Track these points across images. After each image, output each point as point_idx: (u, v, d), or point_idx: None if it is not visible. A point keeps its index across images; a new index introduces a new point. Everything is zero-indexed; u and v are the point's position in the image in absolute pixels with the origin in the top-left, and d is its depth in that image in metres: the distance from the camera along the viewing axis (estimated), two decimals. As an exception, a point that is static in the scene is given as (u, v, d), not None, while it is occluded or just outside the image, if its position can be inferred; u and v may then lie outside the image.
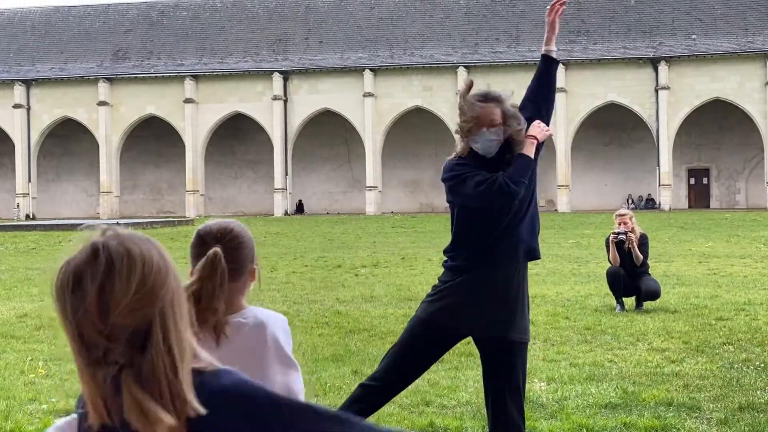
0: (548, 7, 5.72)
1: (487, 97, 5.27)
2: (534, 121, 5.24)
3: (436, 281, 5.34)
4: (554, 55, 5.75)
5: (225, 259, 2.86)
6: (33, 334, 12.34)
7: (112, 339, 1.83)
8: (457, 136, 5.51)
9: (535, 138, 5.15)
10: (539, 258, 5.26)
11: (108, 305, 1.82)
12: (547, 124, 5.45)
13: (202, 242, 3.07)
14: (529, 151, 5.12)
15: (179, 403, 1.86)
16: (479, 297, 5.01)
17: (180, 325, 1.89)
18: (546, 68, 5.75)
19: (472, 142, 5.19)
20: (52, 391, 8.77)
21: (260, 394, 1.93)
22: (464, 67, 63.31)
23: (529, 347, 10.34)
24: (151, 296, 1.85)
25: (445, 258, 5.27)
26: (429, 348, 5.16)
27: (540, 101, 5.58)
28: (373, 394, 5.24)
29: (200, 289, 2.79)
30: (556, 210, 61.39)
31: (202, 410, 1.84)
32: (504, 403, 5.01)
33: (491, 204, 4.98)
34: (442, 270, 5.37)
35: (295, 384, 3.16)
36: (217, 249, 2.83)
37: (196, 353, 1.93)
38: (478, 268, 5.05)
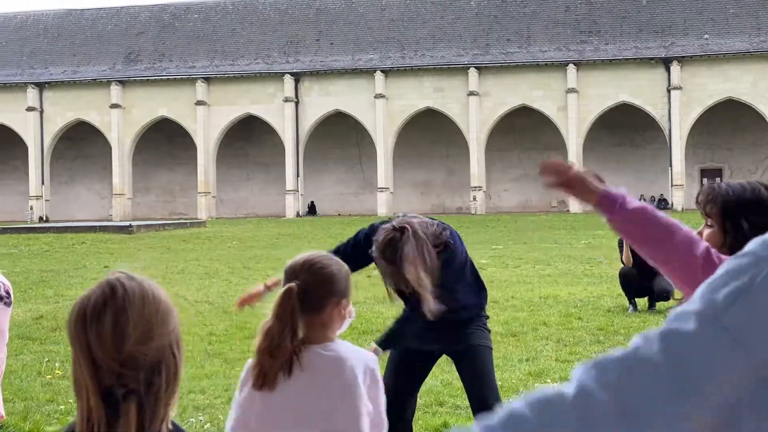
0: None
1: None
2: None
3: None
4: None
5: (304, 291, 3.00)
6: (49, 336, 12.44)
7: (127, 366, 2.02)
8: None
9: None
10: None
11: (124, 335, 2.02)
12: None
13: (285, 277, 3.12)
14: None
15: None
16: (432, 328, 5.21)
17: (180, 360, 2.11)
18: None
19: None
20: (70, 392, 8.84)
21: None
22: (475, 68, 63.31)
23: (542, 348, 10.44)
24: (162, 328, 2.07)
25: None
26: (415, 369, 5.49)
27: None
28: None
29: (273, 326, 2.97)
30: (567, 210, 61.32)
31: None
32: (489, 406, 5.12)
33: None
34: None
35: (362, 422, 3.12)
36: (292, 285, 2.98)
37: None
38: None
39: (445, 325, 5.24)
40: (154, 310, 2.06)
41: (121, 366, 2.01)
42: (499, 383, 8.38)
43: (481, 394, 5.23)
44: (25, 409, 8.09)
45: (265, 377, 3.08)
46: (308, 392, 3.07)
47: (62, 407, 8.16)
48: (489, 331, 5.49)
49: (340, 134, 68.62)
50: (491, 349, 5.48)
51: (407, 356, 5.40)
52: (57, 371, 9.91)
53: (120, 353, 2.01)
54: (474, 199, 63.21)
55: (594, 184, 2.92)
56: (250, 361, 3.21)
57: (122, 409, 2.01)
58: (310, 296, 3.05)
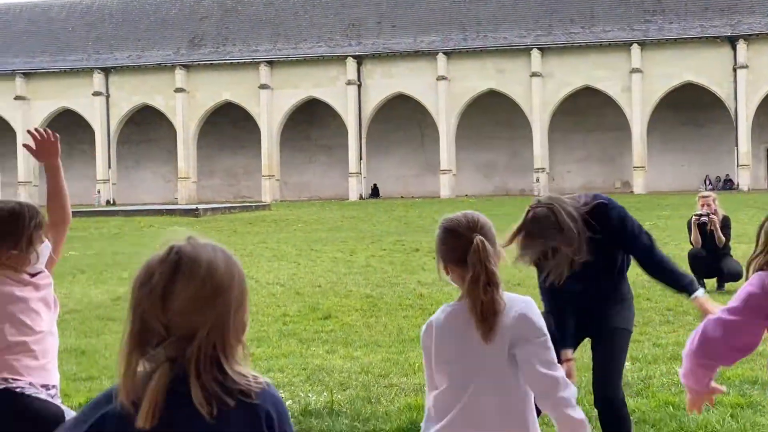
0: None
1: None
2: None
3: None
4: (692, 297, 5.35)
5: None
6: (128, 316, 12.79)
7: (169, 332, 2.13)
8: None
9: None
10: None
11: (171, 299, 2.13)
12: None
13: (455, 234, 3.39)
14: None
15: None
16: (576, 307, 5.29)
17: (229, 339, 2.18)
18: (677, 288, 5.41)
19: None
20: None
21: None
22: (538, 49, 62.96)
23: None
24: (208, 300, 2.15)
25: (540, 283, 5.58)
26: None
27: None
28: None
29: (479, 274, 3.23)
30: (631, 191, 60.84)
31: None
32: (609, 387, 5.26)
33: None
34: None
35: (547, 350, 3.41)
36: (480, 236, 3.30)
37: (236, 368, 2.18)
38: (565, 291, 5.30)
39: (594, 307, 5.31)
40: (203, 284, 2.14)
41: (165, 330, 2.12)
42: (571, 362, 8.52)
43: (603, 383, 5.29)
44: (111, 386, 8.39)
45: (486, 325, 3.33)
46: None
47: (147, 384, 8.44)
48: (633, 311, 5.49)
49: (402, 116, 68.71)
50: (630, 332, 5.47)
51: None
52: (139, 350, 10.22)
53: (164, 317, 2.12)
54: (537, 180, 62.97)
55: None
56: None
57: (157, 373, 2.11)
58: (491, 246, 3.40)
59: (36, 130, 4.68)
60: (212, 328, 2.14)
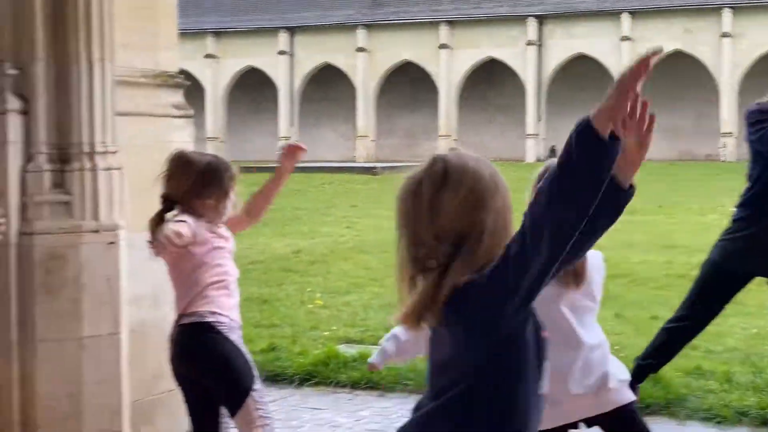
0: None
1: None
2: None
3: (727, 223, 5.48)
4: None
5: None
6: (308, 269, 13.21)
7: (440, 239, 2.16)
8: None
9: None
10: None
11: (439, 208, 2.16)
12: None
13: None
14: None
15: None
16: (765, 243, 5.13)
17: (493, 249, 2.16)
18: None
19: None
20: (331, 320, 9.44)
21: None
22: (729, 8, 60.47)
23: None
24: (475, 207, 2.17)
25: (742, 195, 5.42)
26: (724, 288, 5.31)
27: None
28: (680, 332, 5.47)
29: None
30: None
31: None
32: None
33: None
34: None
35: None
36: None
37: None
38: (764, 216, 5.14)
39: None
40: (471, 190, 2.17)
41: (435, 239, 2.16)
42: (754, 330, 8.28)
43: None
44: (293, 333, 8.71)
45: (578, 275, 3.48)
46: None
47: (325, 333, 8.72)
48: None
49: (582, 77, 67.38)
50: None
51: (721, 276, 5.33)
52: (317, 301, 10.55)
53: (433, 226, 2.16)
54: (724, 146, 60.81)
55: None
56: None
57: (427, 278, 2.15)
58: None
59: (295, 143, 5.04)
60: (477, 235, 2.16)
